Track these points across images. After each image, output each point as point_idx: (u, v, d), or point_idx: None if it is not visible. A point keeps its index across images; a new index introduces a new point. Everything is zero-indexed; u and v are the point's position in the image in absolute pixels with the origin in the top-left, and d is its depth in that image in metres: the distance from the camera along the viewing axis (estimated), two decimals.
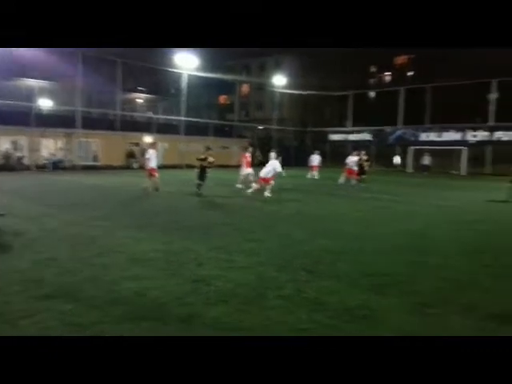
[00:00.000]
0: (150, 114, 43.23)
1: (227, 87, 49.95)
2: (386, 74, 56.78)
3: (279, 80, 41.21)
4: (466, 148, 31.41)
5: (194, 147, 35.94)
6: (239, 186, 15.69)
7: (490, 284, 4.71)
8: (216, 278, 4.62)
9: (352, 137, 40.57)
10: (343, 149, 41.05)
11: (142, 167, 30.23)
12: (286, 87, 42.11)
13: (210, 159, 13.53)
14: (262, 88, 48.82)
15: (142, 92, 51.76)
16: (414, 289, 4.45)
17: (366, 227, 8.25)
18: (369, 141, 38.78)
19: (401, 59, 54.11)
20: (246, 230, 7.63)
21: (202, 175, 13.35)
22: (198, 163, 13.47)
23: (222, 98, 60.39)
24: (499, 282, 4.79)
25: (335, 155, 40.97)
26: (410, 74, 51.42)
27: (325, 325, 3.42)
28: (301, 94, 42.08)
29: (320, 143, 42.57)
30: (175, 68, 33.84)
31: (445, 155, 32.19)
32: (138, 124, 38.99)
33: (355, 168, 18.75)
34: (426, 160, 31.60)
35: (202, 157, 13.51)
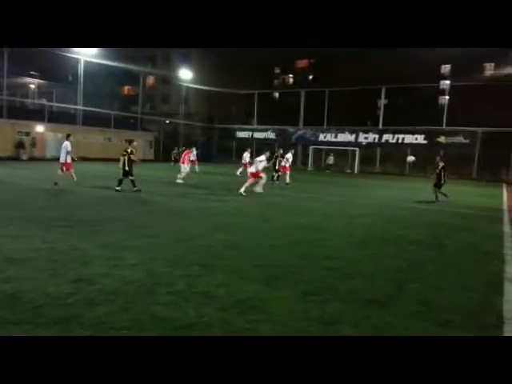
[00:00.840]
0: (43, 101, 39.61)
1: (131, 78, 47.71)
2: (289, 76, 59.15)
3: (185, 74, 40.61)
4: (358, 149, 34.10)
5: (93, 139, 33.95)
6: (180, 181, 16.57)
7: (371, 272, 5.12)
8: (102, 276, 4.35)
9: (257, 135, 41.54)
10: (249, 146, 42.00)
11: (32, 158, 27.80)
12: (192, 82, 41.63)
13: (134, 152, 12.98)
14: (168, 81, 47.67)
15: (34, 77, 47.25)
16: (302, 279, 4.66)
17: (264, 221, 8.48)
18: (273, 139, 40.07)
19: (302, 63, 56.74)
20: (141, 226, 7.34)
21: (129, 170, 12.65)
22: (122, 158, 12.69)
23: (126, 89, 57.76)
24: (379, 271, 5.23)
25: (241, 152, 41.75)
26: (310, 77, 54.19)
27: (213, 318, 3.41)
28: (208, 90, 41.90)
29: (227, 140, 43.01)
30: (72, 53, 31.39)
31: (340, 155, 34.72)
32: (29, 111, 35.56)
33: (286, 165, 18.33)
34: (331, 160, 33.79)
35: (128, 150, 12.77)
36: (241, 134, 42.80)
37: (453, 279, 4.98)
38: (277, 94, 52.78)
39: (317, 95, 37.73)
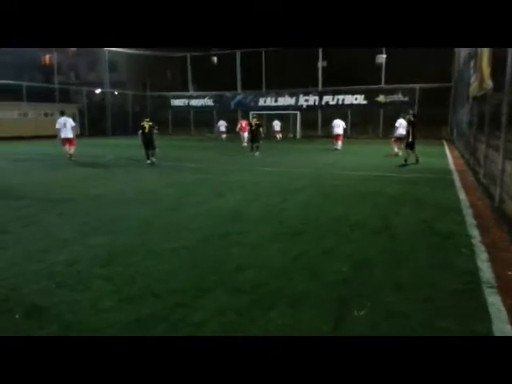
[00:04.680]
0: None
1: None
2: None
3: None
4: (298, 112, 32.59)
5: (3, 115, 29.74)
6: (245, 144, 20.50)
7: (300, 291, 3.52)
8: None
9: (194, 102, 38.85)
10: (185, 114, 39.14)
11: None
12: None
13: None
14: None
15: None
16: (191, 320, 2.95)
17: (172, 210, 6.63)
18: (211, 106, 37.75)
19: None
20: None
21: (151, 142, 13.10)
22: (147, 129, 13.02)
23: (47, 58, 52.23)
24: (312, 285, 3.64)
25: (177, 122, 38.87)
26: None
27: None
28: (139, 54, 38.16)
29: (161, 109, 39.84)
30: None
31: (282, 120, 32.82)
32: None
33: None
34: (277, 126, 30.49)
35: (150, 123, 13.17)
36: (176, 102, 39.80)
37: (413, 290, 3.49)
38: (214, 58, 49.75)
39: (254, 57, 35.41)
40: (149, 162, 13.03)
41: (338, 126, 18.80)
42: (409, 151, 12.69)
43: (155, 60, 39.78)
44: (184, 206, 6.89)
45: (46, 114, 33.27)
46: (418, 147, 12.95)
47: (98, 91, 39.98)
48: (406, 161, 12.57)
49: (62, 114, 14.90)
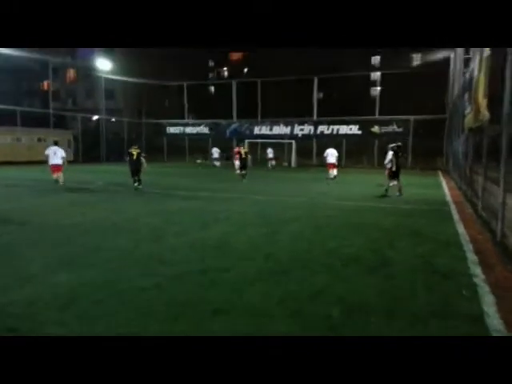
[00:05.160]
0: None
1: (51, 72, 43.00)
2: (224, 69, 56.83)
3: (104, 64, 36.77)
4: (294, 141, 32.56)
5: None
6: (238, 171, 18.38)
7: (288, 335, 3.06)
8: None
9: (189, 130, 38.86)
10: (180, 142, 39.02)
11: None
12: (117, 73, 37.87)
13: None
14: (91, 74, 43.37)
15: None
16: None
17: (153, 241, 6.17)
18: (206, 134, 37.74)
19: (236, 55, 54.58)
20: None
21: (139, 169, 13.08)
22: (135, 156, 13.03)
23: (47, 84, 52.86)
24: (299, 333, 3.19)
25: (172, 149, 38.70)
26: (245, 69, 52.29)
27: None
28: (136, 83, 38.43)
29: (157, 136, 39.83)
30: None
31: (276, 148, 32.73)
32: None
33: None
34: (271, 153, 30.13)
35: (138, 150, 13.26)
36: (172, 130, 39.76)
37: None
38: (211, 87, 50.35)
39: (249, 87, 35.72)
40: (136, 185, 13.05)
41: (332, 154, 18.67)
42: (395, 181, 12.37)
43: (152, 88, 40.12)
44: (166, 237, 6.45)
45: (39, 140, 33.06)
46: (413, 178, 12.67)
47: (94, 118, 40.01)
48: (400, 191, 12.24)
49: (56, 143, 14.88)
